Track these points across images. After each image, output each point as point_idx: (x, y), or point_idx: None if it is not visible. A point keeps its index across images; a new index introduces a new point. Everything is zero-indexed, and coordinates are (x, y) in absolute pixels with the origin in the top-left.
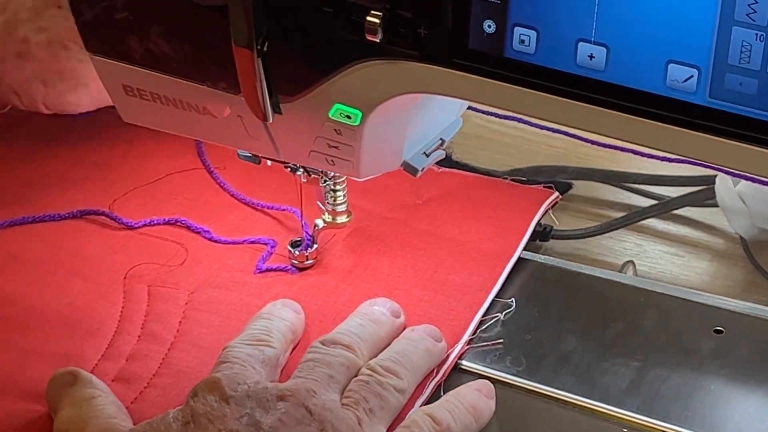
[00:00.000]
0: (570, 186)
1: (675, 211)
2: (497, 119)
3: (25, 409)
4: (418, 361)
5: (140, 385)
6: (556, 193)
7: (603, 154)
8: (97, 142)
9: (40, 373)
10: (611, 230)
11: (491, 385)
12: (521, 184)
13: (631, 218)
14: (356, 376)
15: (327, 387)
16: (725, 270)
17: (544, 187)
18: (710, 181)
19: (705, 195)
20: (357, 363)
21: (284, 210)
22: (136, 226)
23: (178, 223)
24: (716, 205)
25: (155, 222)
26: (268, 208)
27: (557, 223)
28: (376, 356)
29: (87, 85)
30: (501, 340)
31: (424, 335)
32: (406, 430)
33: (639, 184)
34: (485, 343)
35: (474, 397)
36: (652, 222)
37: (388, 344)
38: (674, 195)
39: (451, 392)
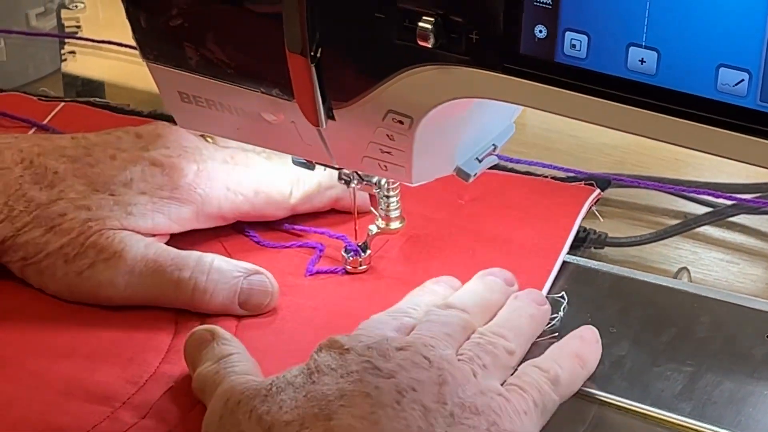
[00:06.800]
0: (609, 183)
1: (730, 219)
2: (554, 128)
3: (92, 410)
4: (525, 328)
5: None
6: (598, 190)
7: (658, 162)
8: None
9: (104, 376)
10: (666, 237)
11: (594, 330)
12: (560, 182)
13: (686, 226)
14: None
15: (445, 344)
16: None
17: (585, 184)
18: (766, 188)
19: (760, 202)
20: (473, 325)
21: (325, 234)
22: None
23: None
24: None
25: None
26: (311, 231)
27: (601, 219)
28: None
29: (114, 266)
30: (556, 333)
31: (528, 301)
32: (517, 380)
33: (694, 192)
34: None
35: (577, 345)
36: (707, 229)
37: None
38: (729, 202)
39: (554, 345)
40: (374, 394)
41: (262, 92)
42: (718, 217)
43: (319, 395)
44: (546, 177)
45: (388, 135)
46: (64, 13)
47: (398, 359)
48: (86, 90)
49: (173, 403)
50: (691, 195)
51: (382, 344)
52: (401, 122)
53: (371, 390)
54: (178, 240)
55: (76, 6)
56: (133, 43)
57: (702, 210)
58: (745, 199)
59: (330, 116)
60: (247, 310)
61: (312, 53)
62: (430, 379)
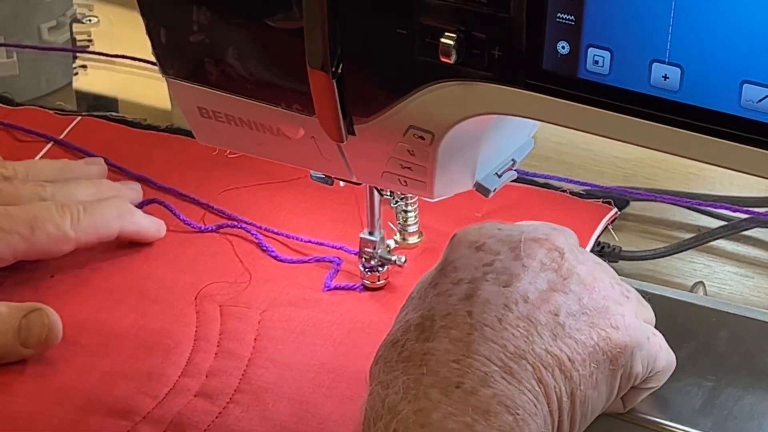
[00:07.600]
0: (627, 203)
1: (744, 232)
2: (566, 140)
3: (113, 425)
4: None
5: (223, 400)
6: (615, 210)
7: (670, 175)
8: (156, 166)
9: (124, 391)
10: (680, 251)
11: None
12: (579, 197)
13: (700, 239)
14: None
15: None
16: None
17: (603, 202)
18: None
19: None
20: None
21: (343, 249)
22: (206, 229)
23: (243, 228)
24: None
25: (224, 225)
26: (329, 246)
27: (617, 239)
28: None
29: None
30: None
31: None
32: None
33: (708, 206)
34: None
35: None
36: (721, 243)
37: None
38: (743, 216)
39: None
40: (477, 311)
41: (283, 108)
42: (732, 230)
43: (428, 307)
44: (564, 191)
45: (408, 150)
46: (76, 27)
47: (526, 257)
48: (98, 104)
49: (193, 416)
50: (705, 209)
51: (515, 236)
52: (422, 138)
53: (477, 307)
54: (211, 260)
55: (90, 20)
56: (144, 57)
57: (716, 224)
58: (759, 213)
59: (351, 131)
60: (30, 348)
61: (333, 69)
62: (552, 286)
